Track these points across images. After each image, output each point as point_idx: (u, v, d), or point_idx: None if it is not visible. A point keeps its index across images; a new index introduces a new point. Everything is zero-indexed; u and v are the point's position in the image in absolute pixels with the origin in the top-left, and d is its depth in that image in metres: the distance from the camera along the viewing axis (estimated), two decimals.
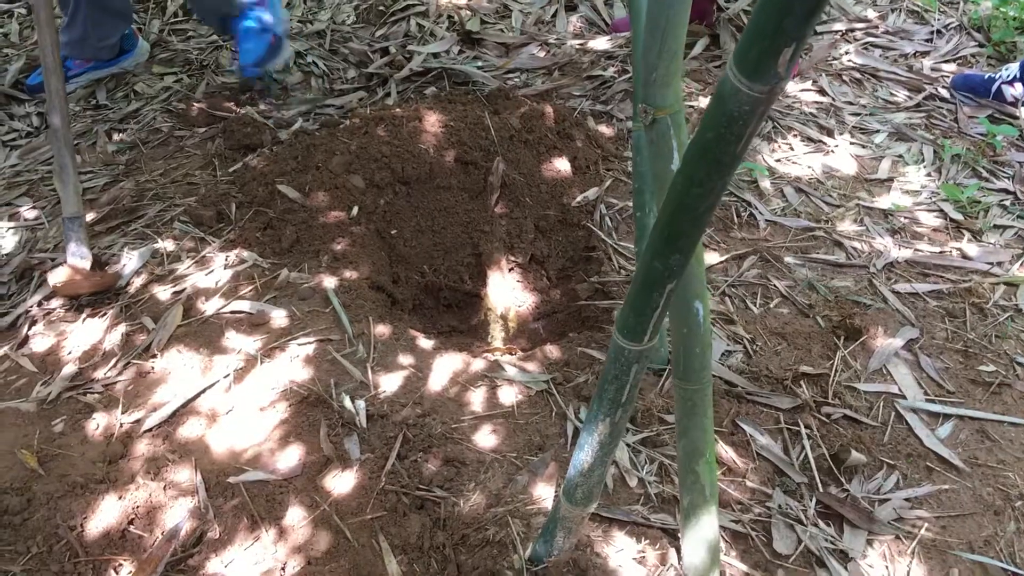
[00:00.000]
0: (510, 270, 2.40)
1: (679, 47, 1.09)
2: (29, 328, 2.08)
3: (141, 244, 2.30)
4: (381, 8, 3.35)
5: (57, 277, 2.08)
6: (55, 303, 2.14)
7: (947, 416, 1.81)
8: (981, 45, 3.14)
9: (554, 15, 3.32)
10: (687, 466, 1.31)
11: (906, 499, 1.65)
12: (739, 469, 1.67)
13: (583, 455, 1.24)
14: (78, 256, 2.13)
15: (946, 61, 3.06)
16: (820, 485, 1.65)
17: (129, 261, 2.21)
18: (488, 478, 1.63)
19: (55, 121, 2.13)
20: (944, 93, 2.88)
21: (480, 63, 3.06)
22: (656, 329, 1.05)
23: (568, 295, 2.29)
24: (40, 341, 2.04)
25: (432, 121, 2.48)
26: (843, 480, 1.66)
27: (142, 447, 1.74)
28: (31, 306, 2.14)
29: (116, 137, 2.81)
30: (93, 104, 3.02)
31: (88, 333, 2.04)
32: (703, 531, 1.36)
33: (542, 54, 3.11)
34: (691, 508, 1.35)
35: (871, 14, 3.31)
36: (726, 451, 1.70)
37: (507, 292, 2.38)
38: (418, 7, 3.34)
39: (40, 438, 1.78)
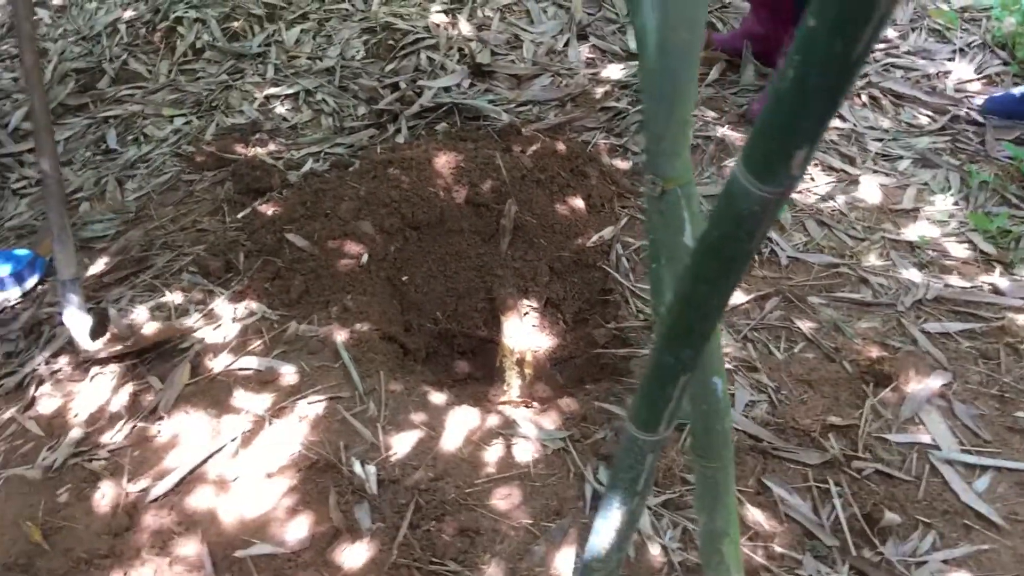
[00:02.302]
0: (525, 314, 2.33)
1: (688, 115, 1.03)
2: (36, 388, 2.04)
3: (149, 297, 2.26)
4: (391, 42, 3.31)
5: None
6: (62, 360, 2.10)
7: (984, 468, 1.72)
8: (1006, 63, 3.04)
9: (566, 44, 3.26)
10: (711, 546, 1.24)
11: (944, 561, 1.56)
12: (766, 532, 1.60)
13: (599, 541, 1.18)
14: (77, 321, 2.08)
15: (970, 81, 2.97)
16: (853, 548, 1.57)
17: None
18: (504, 549, 1.56)
19: (49, 180, 2.09)
20: (972, 115, 2.79)
21: (491, 96, 3.01)
22: (672, 419, 0.98)
23: (585, 339, 2.22)
24: (47, 402, 2.00)
25: (442, 162, 2.43)
26: (877, 542, 1.58)
27: (148, 518, 1.69)
28: (39, 364, 2.11)
29: (127, 185, 2.79)
30: (103, 149, 3.00)
31: (95, 393, 2.00)
32: None
33: (554, 85, 3.05)
34: None
35: (891, 33, 3.23)
36: (752, 513, 1.62)
37: (522, 337, 2.31)
38: (428, 40, 3.29)
39: (45, 508, 1.74)
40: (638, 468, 1.05)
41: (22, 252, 2.45)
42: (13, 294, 2.38)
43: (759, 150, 0.67)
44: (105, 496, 1.75)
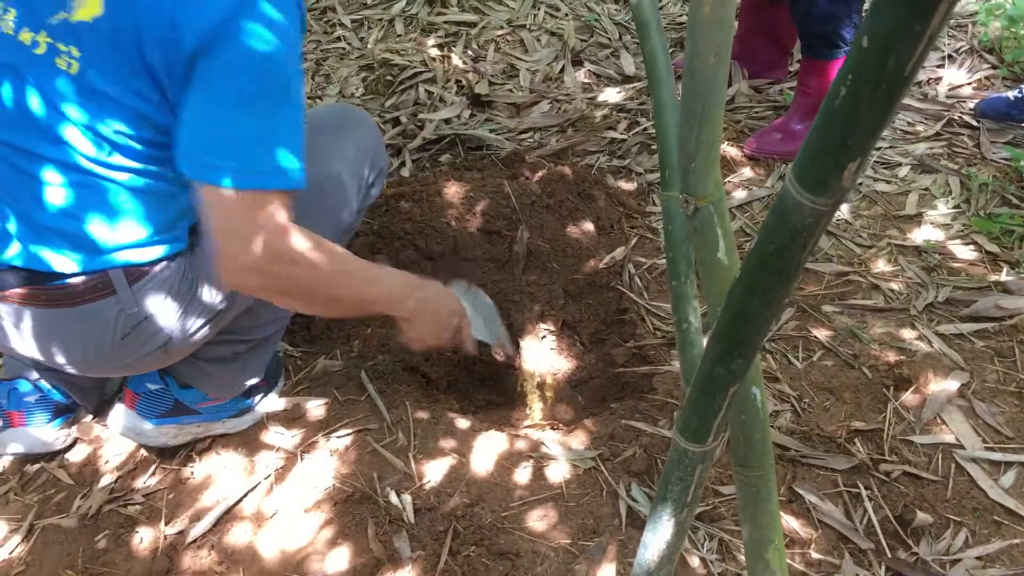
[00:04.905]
0: (542, 338, 2.36)
1: (717, 135, 1.07)
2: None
3: None
4: (389, 78, 3.35)
5: None
6: None
7: (1009, 464, 1.75)
8: (995, 67, 3.11)
9: (561, 70, 3.32)
10: (756, 554, 1.26)
11: (977, 558, 1.59)
12: (802, 539, 1.62)
13: (648, 555, 1.20)
14: None
15: (961, 86, 3.03)
16: (888, 550, 1.60)
17: None
18: (545, 570, 1.58)
19: None
20: (965, 119, 2.84)
21: (492, 125, 3.05)
22: (720, 429, 1.01)
23: (604, 359, 2.25)
24: (75, 451, 2.01)
25: (451, 193, 2.47)
26: (911, 543, 1.61)
27: (188, 560, 1.70)
28: None
29: None
30: None
31: (122, 439, 2.01)
32: None
33: (553, 111, 3.10)
34: None
35: None
36: (787, 521, 1.65)
37: (541, 361, 2.34)
38: (425, 74, 3.34)
39: (84, 556, 1.75)
40: (687, 480, 1.08)
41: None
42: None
43: (811, 164, 0.70)
44: (143, 540, 1.76)
